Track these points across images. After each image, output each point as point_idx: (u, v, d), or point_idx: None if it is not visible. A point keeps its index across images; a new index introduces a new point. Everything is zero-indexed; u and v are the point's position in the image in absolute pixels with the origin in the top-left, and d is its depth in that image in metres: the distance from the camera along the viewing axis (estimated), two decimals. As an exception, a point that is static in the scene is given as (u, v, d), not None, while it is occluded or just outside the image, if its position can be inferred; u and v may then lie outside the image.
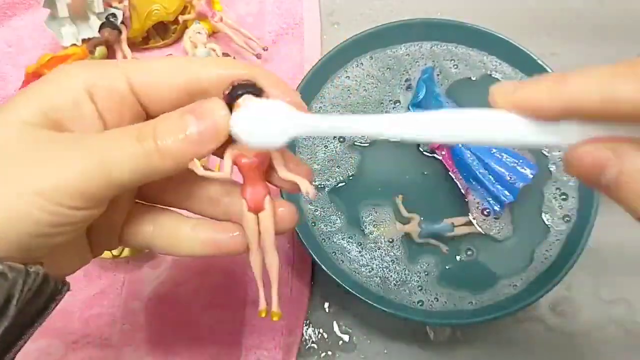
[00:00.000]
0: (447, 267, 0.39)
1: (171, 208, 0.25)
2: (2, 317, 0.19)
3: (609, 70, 0.16)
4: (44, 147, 0.19)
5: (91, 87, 0.20)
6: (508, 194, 0.38)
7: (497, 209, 0.38)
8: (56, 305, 0.22)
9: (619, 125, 0.17)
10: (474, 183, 0.39)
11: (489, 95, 0.19)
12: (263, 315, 0.25)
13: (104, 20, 0.46)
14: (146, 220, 0.25)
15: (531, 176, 0.38)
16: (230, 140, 0.21)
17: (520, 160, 0.38)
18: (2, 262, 0.18)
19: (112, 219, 0.24)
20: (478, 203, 0.39)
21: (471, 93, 0.43)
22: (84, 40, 0.45)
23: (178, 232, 0.24)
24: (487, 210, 0.39)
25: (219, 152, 0.22)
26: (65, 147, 0.19)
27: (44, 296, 0.21)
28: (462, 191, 0.40)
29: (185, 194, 0.24)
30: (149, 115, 0.22)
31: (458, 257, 0.39)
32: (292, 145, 0.41)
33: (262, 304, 0.25)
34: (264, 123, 0.21)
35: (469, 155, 0.38)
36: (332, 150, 0.42)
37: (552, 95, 0.17)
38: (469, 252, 0.39)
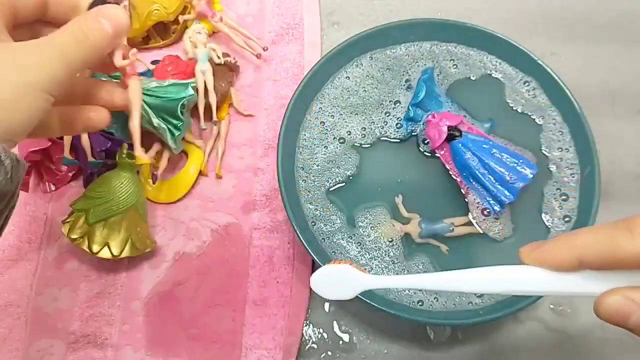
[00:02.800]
0: (446, 267, 0.38)
1: None
2: (12, 197, 0.26)
3: (610, 227, 0.20)
4: (19, 52, 0.25)
5: None
6: (508, 194, 0.38)
7: (497, 209, 0.38)
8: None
9: (630, 273, 0.21)
10: (474, 183, 0.39)
11: (520, 255, 0.24)
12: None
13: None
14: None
15: (531, 176, 0.38)
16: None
17: (521, 160, 0.38)
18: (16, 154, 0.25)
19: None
20: (478, 203, 0.39)
21: (471, 93, 0.43)
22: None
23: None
24: (487, 210, 0.39)
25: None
26: (34, 51, 0.25)
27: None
28: (462, 191, 0.40)
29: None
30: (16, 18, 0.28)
31: (458, 257, 0.39)
32: (293, 145, 0.41)
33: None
34: (338, 284, 0.27)
35: (469, 156, 0.39)
36: (332, 151, 0.42)
37: (565, 250, 0.21)
38: (469, 252, 0.39)
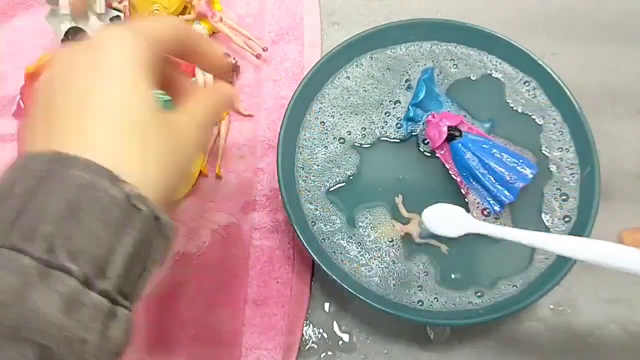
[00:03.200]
0: (446, 268, 0.39)
1: None
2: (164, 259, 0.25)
3: None
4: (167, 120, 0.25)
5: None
6: (508, 194, 0.38)
7: (497, 209, 0.38)
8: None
9: None
10: (474, 183, 0.39)
11: (622, 237, 0.27)
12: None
13: (107, 22, 0.46)
14: None
15: (531, 176, 0.38)
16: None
17: (521, 160, 0.38)
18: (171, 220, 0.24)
19: None
20: (478, 203, 0.39)
21: (471, 92, 0.43)
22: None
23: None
24: (487, 210, 0.39)
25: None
26: (183, 129, 0.26)
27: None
28: (463, 191, 0.40)
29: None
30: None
31: (458, 258, 0.39)
32: (293, 145, 0.41)
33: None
34: (447, 221, 0.31)
35: (469, 156, 0.39)
36: (332, 151, 0.42)
37: None
38: (469, 253, 0.39)
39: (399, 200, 0.40)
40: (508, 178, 0.38)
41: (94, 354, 0.20)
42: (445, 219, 0.30)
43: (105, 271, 0.21)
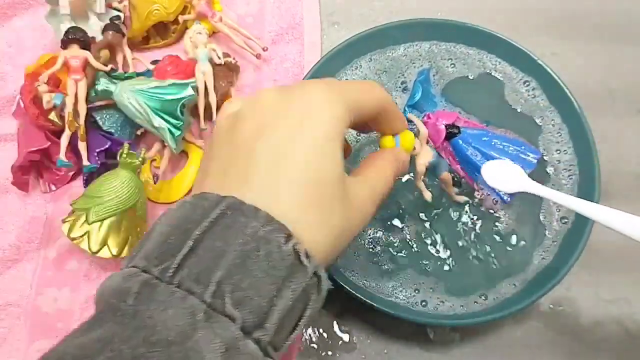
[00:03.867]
0: (446, 268, 0.39)
1: None
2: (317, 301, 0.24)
3: None
4: (350, 187, 0.26)
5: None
6: None
7: (507, 199, 0.39)
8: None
9: None
10: (480, 176, 0.39)
11: None
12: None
13: (107, 22, 0.46)
14: None
15: (535, 161, 0.38)
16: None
17: (523, 147, 0.38)
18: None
19: None
20: (488, 195, 0.39)
21: (468, 92, 0.43)
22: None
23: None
24: (497, 200, 0.39)
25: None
26: (358, 195, 0.27)
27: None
28: (474, 187, 0.40)
29: None
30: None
31: (458, 259, 0.39)
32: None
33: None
34: (506, 177, 0.32)
35: (471, 151, 0.38)
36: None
37: None
38: (468, 253, 0.39)
39: (412, 116, 0.37)
40: None
41: None
42: (503, 176, 0.31)
43: (264, 322, 0.21)
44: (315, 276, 0.23)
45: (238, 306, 0.20)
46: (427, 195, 0.36)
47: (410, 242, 0.39)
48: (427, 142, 0.36)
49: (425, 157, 0.35)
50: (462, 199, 0.39)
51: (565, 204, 0.30)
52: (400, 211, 0.40)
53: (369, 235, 0.39)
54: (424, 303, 0.37)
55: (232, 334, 0.20)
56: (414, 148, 0.33)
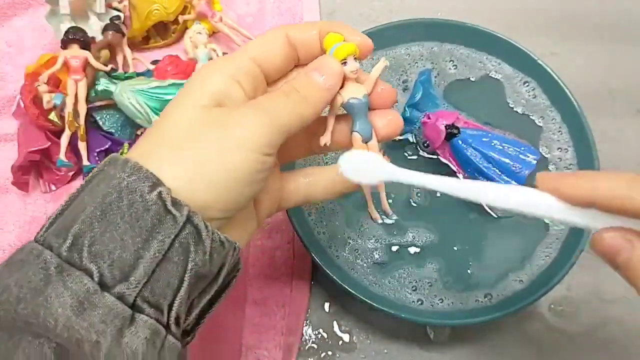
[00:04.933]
0: (446, 268, 0.39)
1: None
2: (215, 282, 0.24)
3: (632, 178, 0.21)
4: (227, 116, 0.24)
5: (234, 75, 0.25)
6: (516, 183, 0.38)
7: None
8: (234, 282, 0.26)
9: (634, 220, 0.21)
10: (480, 178, 0.39)
11: (537, 179, 0.24)
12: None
13: (107, 21, 0.46)
14: (301, 180, 0.30)
15: (535, 162, 0.38)
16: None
17: (522, 148, 0.38)
18: (222, 234, 0.23)
19: (270, 186, 0.28)
20: None
21: (468, 93, 0.43)
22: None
23: (331, 177, 0.30)
24: None
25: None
26: (243, 112, 0.24)
27: (235, 270, 0.26)
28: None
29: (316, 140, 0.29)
30: (269, 86, 0.28)
31: (457, 258, 0.39)
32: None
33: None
34: (363, 169, 0.27)
35: (470, 152, 0.38)
36: (329, 155, 0.42)
37: (582, 189, 0.22)
38: (468, 253, 0.39)
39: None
40: (514, 168, 0.38)
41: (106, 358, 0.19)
42: (362, 168, 0.27)
43: (129, 275, 0.20)
44: (192, 226, 0.22)
45: (95, 259, 0.20)
46: (324, 139, 0.28)
47: (410, 241, 0.39)
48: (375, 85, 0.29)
49: (352, 91, 0.27)
50: (376, 216, 0.31)
51: (434, 185, 0.27)
52: (400, 210, 0.40)
53: (369, 235, 0.39)
54: (423, 302, 0.37)
55: (85, 287, 0.20)
56: (346, 63, 0.27)
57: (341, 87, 0.27)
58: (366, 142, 0.28)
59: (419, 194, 0.41)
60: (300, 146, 0.30)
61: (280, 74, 0.28)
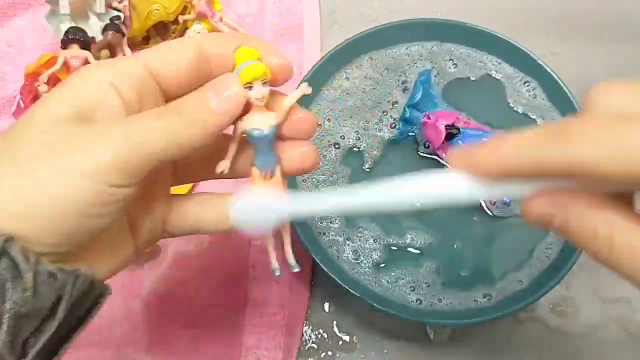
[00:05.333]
0: (446, 268, 0.39)
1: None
2: (52, 317, 0.21)
3: (539, 132, 0.18)
4: (77, 135, 0.21)
5: (115, 80, 0.22)
6: None
7: (507, 200, 0.39)
8: (98, 310, 0.23)
9: (553, 180, 0.19)
10: None
11: (448, 158, 0.22)
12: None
13: (107, 21, 0.46)
14: (190, 206, 0.26)
15: None
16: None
17: None
18: (53, 263, 0.20)
19: (151, 210, 0.25)
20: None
21: (468, 92, 0.43)
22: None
23: (223, 208, 0.25)
24: (494, 200, 0.39)
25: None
26: (98, 131, 0.21)
27: (89, 300, 0.22)
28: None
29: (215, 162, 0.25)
30: (168, 101, 0.24)
31: (457, 258, 0.39)
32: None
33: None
34: (256, 216, 0.24)
35: None
36: (333, 151, 0.42)
37: (493, 159, 0.19)
38: (468, 253, 0.39)
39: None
40: None
41: None
42: (256, 214, 0.24)
43: None
44: (9, 259, 0.19)
45: None
46: (221, 166, 0.25)
47: (409, 241, 0.39)
48: (291, 112, 0.24)
49: (257, 120, 0.24)
50: (275, 266, 0.27)
51: (345, 207, 0.24)
52: (399, 210, 0.40)
53: (369, 235, 0.39)
54: (422, 302, 0.37)
55: None
56: (251, 87, 0.23)
57: (247, 112, 0.24)
58: (269, 177, 0.24)
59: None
60: (200, 168, 0.27)
61: (184, 89, 0.23)
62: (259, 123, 0.23)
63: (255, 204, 0.24)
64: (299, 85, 0.24)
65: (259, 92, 0.23)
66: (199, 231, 0.27)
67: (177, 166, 0.27)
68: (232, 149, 0.25)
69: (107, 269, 0.24)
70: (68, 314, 0.21)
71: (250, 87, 0.22)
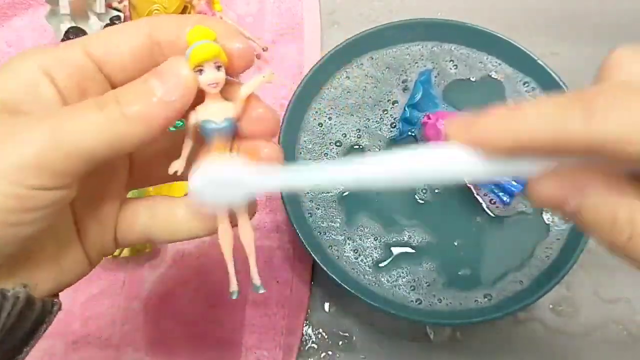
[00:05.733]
0: (446, 268, 0.39)
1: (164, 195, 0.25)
2: None
3: (559, 104, 0.16)
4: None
5: (48, 67, 0.19)
6: (515, 183, 0.38)
7: (507, 200, 0.39)
8: (47, 327, 0.21)
9: (571, 158, 0.17)
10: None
11: (445, 124, 0.19)
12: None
13: (107, 22, 0.46)
14: (140, 211, 0.24)
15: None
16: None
17: None
18: None
19: (102, 215, 0.23)
20: (485, 195, 0.39)
21: (469, 93, 0.43)
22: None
23: (175, 215, 0.23)
24: (494, 200, 0.39)
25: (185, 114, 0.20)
26: (20, 125, 0.18)
27: (30, 319, 0.20)
28: (472, 188, 0.40)
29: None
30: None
31: (457, 257, 0.39)
32: (293, 146, 0.41)
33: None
34: (223, 188, 0.21)
35: None
36: (333, 151, 0.42)
37: (503, 132, 0.17)
38: (468, 253, 0.39)
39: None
40: None
41: None
42: (221, 187, 0.20)
43: None
44: None
45: None
46: (174, 166, 0.21)
47: (409, 241, 0.39)
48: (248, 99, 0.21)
49: (212, 111, 0.20)
50: (234, 288, 0.25)
51: (329, 180, 0.21)
52: (399, 209, 0.40)
53: (369, 234, 0.39)
54: (422, 302, 0.37)
55: None
56: (202, 71, 0.19)
57: (200, 103, 0.20)
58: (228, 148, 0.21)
59: (424, 190, 0.41)
60: (157, 167, 0.23)
61: (130, 77, 0.20)
62: (213, 114, 0.20)
63: (219, 174, 0.20)
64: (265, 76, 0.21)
65: (211, 76, 0.19)
66: (149, 241, 0.24)
67: (133, 165, 0.24)
68: (187, 145, 0.21)
69: (53, 282, 0.21)
70: (6, 334, 0.19)
71: (201, 70, 0.19)
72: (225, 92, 0.20)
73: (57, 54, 0.20)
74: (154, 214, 0.23)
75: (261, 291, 0.23)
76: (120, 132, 0.18)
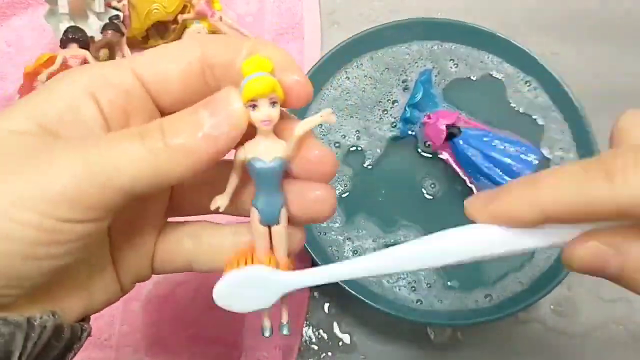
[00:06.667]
0: (446, 268, 0.38)
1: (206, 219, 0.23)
2: None
3: (580, 171, 0.16)
4: (30, 154, 0.16)
5: (94, 88, 0.18)
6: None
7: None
8: (75, 354, 0.19)
9: (598, 223, 0.17)
10: (482, 178, 0.39)
11: (465, 204, 0.20)
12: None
13: (106, 21, 0.45)
14: (183, 237, 0.22)
15: (536, 162, 0.38)
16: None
17: (524, 148, 0.38)
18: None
19: (139, 242, 0.22)
20: None
21: (469, 92, 0.43)
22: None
23: (222, 242, 0.22)
24: None
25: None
26: (56, 151, 0.17)
27: (58, 348, 0.18)
28: (474, 190, 0.40)
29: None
30: (163, 115, 0.19)
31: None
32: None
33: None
34: (249, 292, 0.21)
35: (471, 152, 0.38)
36: (332, 151, 0.41)
37: (527, 205, 0.17)
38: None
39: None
40: (515, 168, 0.38)
41: None
42: (249, 290, 0.21)
43: None
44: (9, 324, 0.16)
45: None
46: (217, 202, 0.20)
47: (409, 241, 0.39)
48: (301, 140, 0.19)
49: (262, 149, 0.19)
50: (266, 323, 0.26)
51: (353, 275, 0.22)
52: (399, 208, 0.40)
53: (369, 234, 0.39)
54: (422, 303, 0.37)
55: None
56: (255, 106, 0.18)
57: (251, 137, 0.19)
58: (268, 225, 0.20)
59: (432, 185, 0.40)
60: (197, 198, 0.22)
61: (178, 101, 0.19)
62: (262, 153, 0.19)
63: (243, 280, 0.20)
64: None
65: (265, 113, 0.18)
66: (191, 270, 0.23)
67: (174, 190, 0.23)
68: (233, 181, 0.20)
69: (82, 309, 0.20)
70: None
71: (254, 105, 0.18)
72: (278, 126, 0.19)
73: (105, 73, 0.19)
74: (199, 243, 0.22)
75: (285, 332, 0.23)
76: (161, 165, 0.17)
